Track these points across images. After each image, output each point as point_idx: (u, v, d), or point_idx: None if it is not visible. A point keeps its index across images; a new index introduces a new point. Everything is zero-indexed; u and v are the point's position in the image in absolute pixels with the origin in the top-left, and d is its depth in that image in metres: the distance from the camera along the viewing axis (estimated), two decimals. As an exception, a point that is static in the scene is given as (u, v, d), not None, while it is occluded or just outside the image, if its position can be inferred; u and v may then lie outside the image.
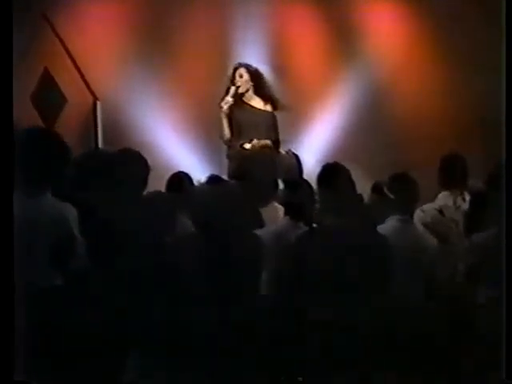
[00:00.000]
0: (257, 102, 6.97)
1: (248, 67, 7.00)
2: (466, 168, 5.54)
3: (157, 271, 3.89)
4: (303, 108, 7.48)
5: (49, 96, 7.23)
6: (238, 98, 6.90)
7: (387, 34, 8.18)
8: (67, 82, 7.33)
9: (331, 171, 4.24)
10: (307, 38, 8.04)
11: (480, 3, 7.76)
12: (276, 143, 6.93)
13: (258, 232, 4.33)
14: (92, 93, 7.35)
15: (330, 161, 4.47)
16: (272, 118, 6.98)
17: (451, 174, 5.48)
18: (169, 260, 3.94)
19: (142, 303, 3.82)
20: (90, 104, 7.36)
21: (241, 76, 6.94)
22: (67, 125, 7.15)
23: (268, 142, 6.84)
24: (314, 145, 7.79)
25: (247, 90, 6.93)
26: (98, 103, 7.36)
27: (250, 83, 6.94)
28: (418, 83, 8.13)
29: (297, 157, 6.84)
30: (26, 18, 6.25)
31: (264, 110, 6.98)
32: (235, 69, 7.00)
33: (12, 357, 3.29)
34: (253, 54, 7.58)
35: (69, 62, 7.26)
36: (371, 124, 7.89)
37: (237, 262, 3.90)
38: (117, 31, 7.55)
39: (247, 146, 6.80)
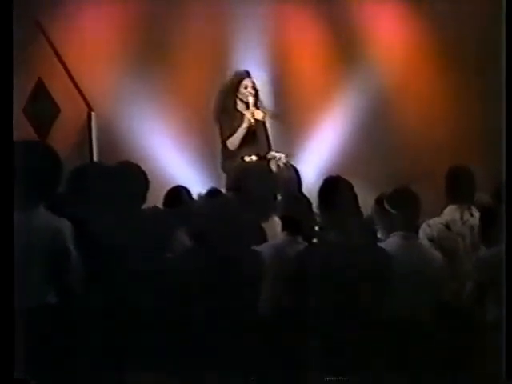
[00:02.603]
0: (256, 113, 7.02)
1: (251, 78, 7.07)
2: (474, 181, 5.53)
3: (155, 287, 3.93)
4: (302, 118, 7.51)
5: (41, 106, 7.27)
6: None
7: (391, 40, 8.19)
8: (61, 92, 7.36)
9: (333, 185, 4.25)
10: (308, 46, 8.05)
11: (483, 6, 7.79)
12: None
13: (257, 247, 4.36)
14: (87, 103, 7.39)
15: (332, 174, 4.49)
16: (265, 127, 7.05)
17: (458, 188, 5.47)
18: (167, 275, 3.98)
19: (139, 318, 3.87)
20: (85, 115, 7.40)
21: (253, 88, 6.99)
22: (61, 136, 7.18)
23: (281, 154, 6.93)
24: (313, 157, 7.81)
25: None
26: (93, 114, 7.39)
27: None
28: (424, 92, 8.15)
29: (295, 169, 6.89)
30: (19, 26, 6.30)
31: (260, 121, 7.04)
32: (242, 79, 7.04)
33: (12, 355, 3.36)
34: (253, 62, 7.61)
35: (63, 71, 7.30)
36: (375, 134, 7.89)
37: (236, 277, 3.94)
38: (113, 40, 7.57)
39: (247, 158, 6.85)
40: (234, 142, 6.87)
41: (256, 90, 7.01)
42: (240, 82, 7.01)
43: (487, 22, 7.48)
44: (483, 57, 7.71)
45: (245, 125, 6.86)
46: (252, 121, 6.86)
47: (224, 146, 6.94)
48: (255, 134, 6.92)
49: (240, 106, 7.00)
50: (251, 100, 6.93)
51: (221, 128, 6.98)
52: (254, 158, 6.86)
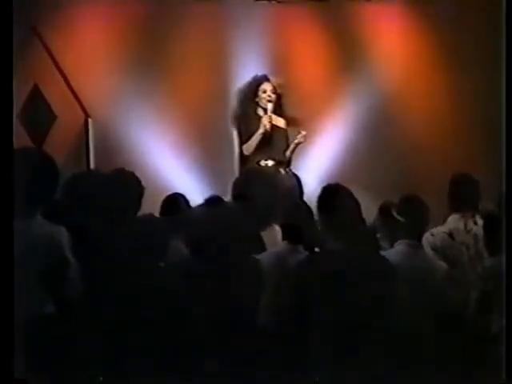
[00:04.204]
0: (273, 119, 7.01)
1: (271, 81, 7.07)
2: (478, 189, 5.53)
3: (151, 297, 3.94)
4: (303, 124, 7.50)
5: (37, 113, 7.27)
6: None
7: (392, 47, 8.20)
8: (57, 99, 7.36)
9: (332, 193, 4.24)
10: (310, 52, 8.07)
11: (484, 10, 7.80)
12: (289, 161, 7.04)
13: (257, 256, 4.36)
14: (84, 110, 7.39)
15: (332, 181, 4.49)
16: (287, 135, 7.06)
17: (462, 196, 5.48)
18: (164, 285, 3.99)
19: (135, 328, 3.89)
20: (82, 122, 7.41)
21: (273, 92, 7.00)
22: (57, 143, 7.18)
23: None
24: (315, 164, 7.82)
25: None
26: (90, 121, 7.40)
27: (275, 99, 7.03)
28: (428, 97, 8.14)
29: (297, 177, 6.91)
30: (15, 31, 6.31)
31: (279, 127, 7.04)
32: (260, 82, 7.04)
33: (12, 355, 3.39)
34: (253, 67, 7.62)
35: (59, 77, 7.31)
36: (377, 142, 7.89)
37: (235, 287, 3.95)
38: (110, 45, 7.57)
39: (263, 163, 6.88)
40: (248, 147, 6.93)
41: (277, 95, 7.02)
42: (258, 86, 7.02)
43: (487, 28, 7.50)
44: (486, 63, 7.71)
45: (261, 130, 6.89)
46: (268, 127, 6.88)
47: (240, 150, 6.96)
48: (273, 138, 6.93)
49: (260, 111, 7.01)
50: (269, 106, 6.94)
51: (239, 133, 7.02)
52: (269, 162, 6.90)
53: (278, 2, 8.00)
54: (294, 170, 7.06)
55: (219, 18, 7.78)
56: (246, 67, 7.59)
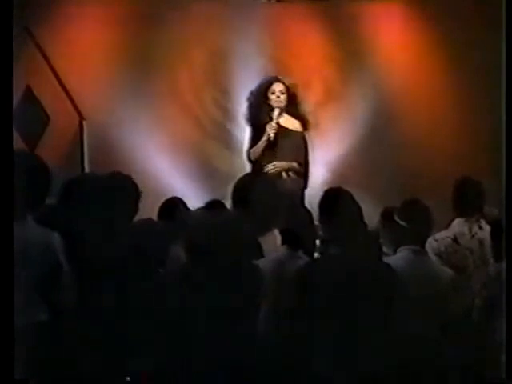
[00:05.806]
0: (285, 121, 7.00)
1: (283, 81, 7.04)
2: (483, 193, 5.54)
3: (149, 301, 3.95)
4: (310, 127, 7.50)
5: (30, 115, 7.27)
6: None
7: (397, 51, 8.23)
8: (51, 101, 7.36)
9: (334, 197, 4.24)
10: (310, 52, 8.09)
11: (485, 10, 7.82)
12: (305, 166, 6.99)
13: (256, 261, 4.35)
14: (78, 112, 7.39)
15: (334, 185, 4.50)
16: (302, 138, 7.02)
17: (466, 200, 5.48)
18: (162, 290, 3.99)
19: (134, 331, 3.90)
20: (76, 124, 7.40)
21: (282, 92, 6.96)
22: (51, 146, 7.18)
23: (294, 164, 6.91)
24: (316, 167, 7.81)
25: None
26: (85, 123, 7.39)
27: (286, 100, 6.99)
28: (431, 101, 8.16)
29: (298, 182, 6.90)
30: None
31: (293, 131, 7.01)
32: (270, 83, 7.02)
33: (12, 356, 3.41)
34: (253, 70, 7.63)
35: (53, 78, 7.30)
36: (378, 144, 7.91)
37: (234, 293, 3.95)
38: (106, 46, 7.58)
39: (269, 167, 6.87)
40: (255, 153, 6.93)
41: (290, 95, 6.97)
42: (268, 87, 6.98)
43: (488, 28, 7.53)
44: (487, 63, 7.72)
45: (264, 139, 6.87)
46: (271, 136, 6.84)
47: (248, 155, 6.98)
48: (282, 142, 6.90)
49: (273, 114, 6.98)
50: (276, 112, 6.89)
51: (251, 136, 7.00)
52: (276, 167, 6.89)
53: (278, 2, 8.01)
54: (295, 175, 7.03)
55: (218, 18, 7.78)
56: (246, 67, 7.59)
